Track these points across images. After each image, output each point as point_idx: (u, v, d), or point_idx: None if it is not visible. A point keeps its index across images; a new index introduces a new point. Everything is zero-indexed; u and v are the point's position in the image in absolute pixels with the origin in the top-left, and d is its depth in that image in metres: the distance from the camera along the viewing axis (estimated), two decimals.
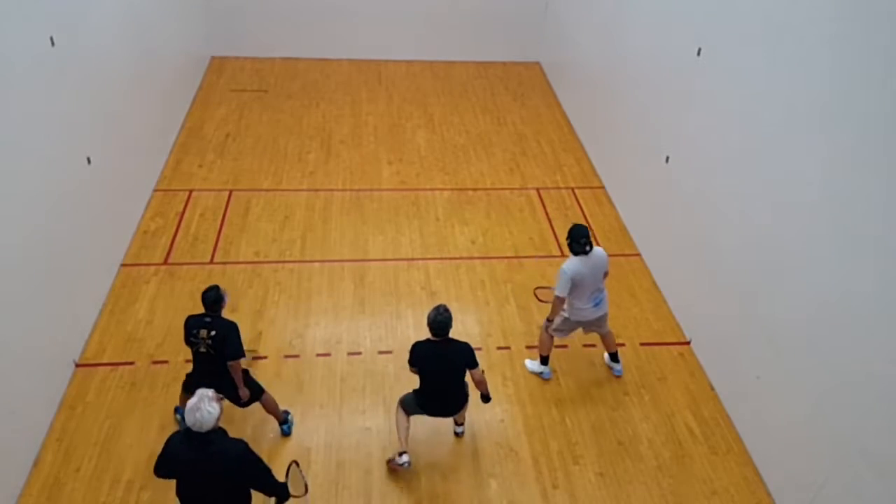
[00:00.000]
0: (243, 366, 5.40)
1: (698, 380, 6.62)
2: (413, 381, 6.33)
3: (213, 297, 5.15)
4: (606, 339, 6.46)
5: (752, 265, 5.83)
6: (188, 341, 5.18)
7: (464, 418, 5.90)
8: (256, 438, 5.77)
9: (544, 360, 6.45)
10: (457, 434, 5.94)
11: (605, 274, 6.00)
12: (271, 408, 5.68)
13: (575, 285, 5.76)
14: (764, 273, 5.66)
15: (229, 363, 5.17)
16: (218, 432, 4.01)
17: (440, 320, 5.05)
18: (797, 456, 5.30)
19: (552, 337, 6.30)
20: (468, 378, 5.36)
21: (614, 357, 6.56)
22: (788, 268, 5.35)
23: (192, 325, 5.16)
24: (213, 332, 5.08)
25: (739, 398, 6.15)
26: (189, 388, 5.38)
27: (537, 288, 6.93)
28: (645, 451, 5.93)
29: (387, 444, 5.82)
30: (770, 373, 5.63)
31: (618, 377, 6.57)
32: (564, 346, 6.77)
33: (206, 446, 3.95)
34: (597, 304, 5.99)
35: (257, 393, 5.54)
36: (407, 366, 5.36)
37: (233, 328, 5.17)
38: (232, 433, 4.17)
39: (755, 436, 5.91)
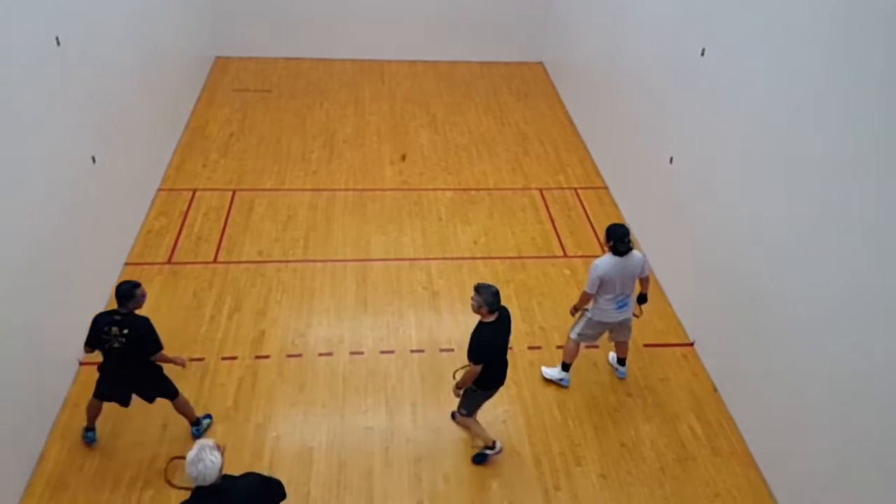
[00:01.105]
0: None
1: (701, 381, 6.61)
2: (413, 383, 6.34)
3: (123, 290, 5.04)
4: (622, 346, 6.43)
5: (755, 266, 5.82)
6: (99, 339, 5.08)
7: None
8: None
9: (566, 367, 6.40)
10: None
11: (646, 279, 5.99)
12: (183, 409, 5.63)
13: (602, 283, 5.74)
14: (768, 274, 5.65)
15: (152, 358, 5.20)
16: (226, 478, 3.71)
17: (494, 291, 4.99)
18: (800, 458, 5.29)
19: (578, 344, 6.26)
20: None
21: (622, 362, 6.54)
22: (792, 269, 5.34)
23: (102, 323, 5.07)
24: (125, 331, 5.03)
25: (743, 400, 6.13)
26: (102, 393, 5.33)
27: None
28: (647, 453, 5.92)
29: (389, 444, 5.83)
30: (773, 374, 5.61)
31: (621, 379, 6.56)
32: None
33: (219, 496, 3.64)
34: (620, 307, 5.93)
35: (173, 393, 5.52)
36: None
37: (147, 324, 5.13)
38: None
39: (758, 438, 5.89)
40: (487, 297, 4.97)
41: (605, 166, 9.59)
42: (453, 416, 5.96)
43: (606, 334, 6.32)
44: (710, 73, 6.53)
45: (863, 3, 4.61)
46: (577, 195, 9.21)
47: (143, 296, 5.20)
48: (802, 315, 5.23)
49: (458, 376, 5.43)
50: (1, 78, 5.14)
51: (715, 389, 6.50)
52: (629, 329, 6.24)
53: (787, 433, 5.45)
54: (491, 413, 6.12)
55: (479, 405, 5.54)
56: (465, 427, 5.64)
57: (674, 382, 6.58)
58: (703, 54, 6.63)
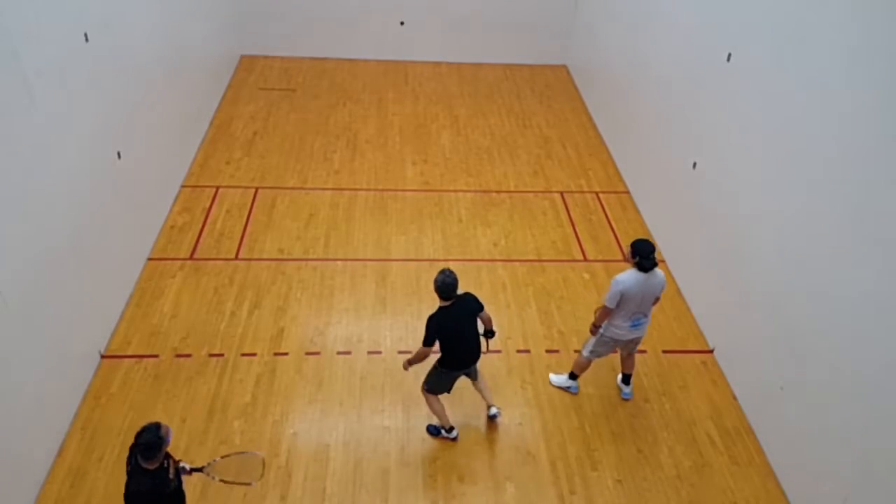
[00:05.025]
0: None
1: (721, 389, 6.54)
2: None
3: (148, 442, 4.03)
4: (627, 361, 6.24)
5: (778, 274, 5.75)
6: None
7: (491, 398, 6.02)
8: None
9: (574, 376, 6.32)
10: (493, 417, 5.96)
11: (657, 300, 5.75)
12: None
13: (622, 300, 5.52)
14: (790, 282, 5.58)
15: None
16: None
17: (449, 282, 5.21)
18: (820, 469, 5.21)
19: (590, 361, 6.13)
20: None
21: (626, 379, 6.34)
22: (816, 278, 5.26)
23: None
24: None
25: (762, 408, 6.06)
26: None
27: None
28: (665, 460, 5.87)
29: (405, 444, 5.84)
30: (794, 383, 5.54)
31: (626, 399, 6.36)
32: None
33: None
34: (635, 326, 5.74)
35: None
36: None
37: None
38: None
39: (778, 447, 5.82)
40: (438, 282, 5.21)
41: (628, 171, 9.53)
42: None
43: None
44: (736, 77, 6.46)
45: (892, 9, 4.54)
46: (599, 199, 9.16)
47: (169, 433, 4.18)
48: (825, 325, 5.15)
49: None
50: (30, 73, 5.23)
51: (734, 397, 6.43)
52: (637, 345, 6.06)
53: (808, 443, 5.37)
54: (507, 416, 6.12)
55: (443, 385, 5.71)
56: (427, 403, 5.85)
57: (693, 389, 6.52)
58: (728, 59, 6.56)
